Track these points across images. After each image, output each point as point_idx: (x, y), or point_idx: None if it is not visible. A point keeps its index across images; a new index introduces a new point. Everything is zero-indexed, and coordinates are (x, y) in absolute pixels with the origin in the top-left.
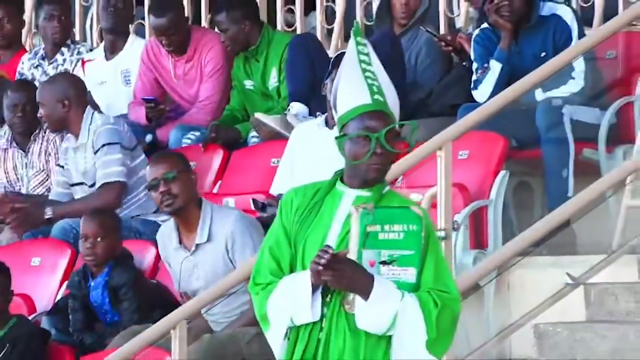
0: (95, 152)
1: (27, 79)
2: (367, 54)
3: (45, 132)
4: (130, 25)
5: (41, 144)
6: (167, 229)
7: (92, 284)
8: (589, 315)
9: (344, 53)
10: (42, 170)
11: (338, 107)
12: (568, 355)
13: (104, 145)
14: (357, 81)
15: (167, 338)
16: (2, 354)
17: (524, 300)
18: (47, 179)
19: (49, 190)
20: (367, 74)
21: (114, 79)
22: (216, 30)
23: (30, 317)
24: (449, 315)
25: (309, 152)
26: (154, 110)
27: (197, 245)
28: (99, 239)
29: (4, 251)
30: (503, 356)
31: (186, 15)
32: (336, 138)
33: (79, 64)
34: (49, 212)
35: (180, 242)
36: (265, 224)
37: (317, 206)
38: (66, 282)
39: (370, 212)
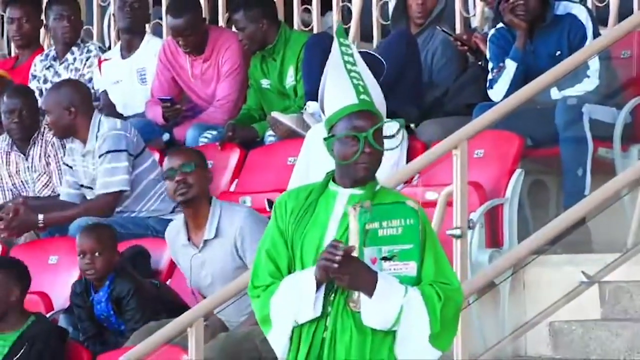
0: (99, 157)
1: (24, 85)
2: (351, 55)
3: (43, 135)
4: (146, 25)
5: (41, 146)
6: (176, 226)
7: (95, 297)
8: (603, 313)
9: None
10: (44, 173)
11: (325, 109)
12: (583, 353)
13: (108, 152)
14: (343, 82)
15: (184, 336)
16: (20, 352)
17: (539, 298)
18: (50, 181)
19: (53, 191)
20: (353, 74)
21: (130, 77)
22: (233, 29)
23: (47, 315)
24: (453, 307)
25: (325, 152)
26: (170, 110)
27: (205, 242)
28: (96, 254)
29: (22, 249)
30: (518, 354)
31: (203, 16)
32: (325, 139)
33: (89, 62)
34: (40, 220)
35: (189, 239)
36: None
37: (311, 207)
38: None
39: (367, 210)
